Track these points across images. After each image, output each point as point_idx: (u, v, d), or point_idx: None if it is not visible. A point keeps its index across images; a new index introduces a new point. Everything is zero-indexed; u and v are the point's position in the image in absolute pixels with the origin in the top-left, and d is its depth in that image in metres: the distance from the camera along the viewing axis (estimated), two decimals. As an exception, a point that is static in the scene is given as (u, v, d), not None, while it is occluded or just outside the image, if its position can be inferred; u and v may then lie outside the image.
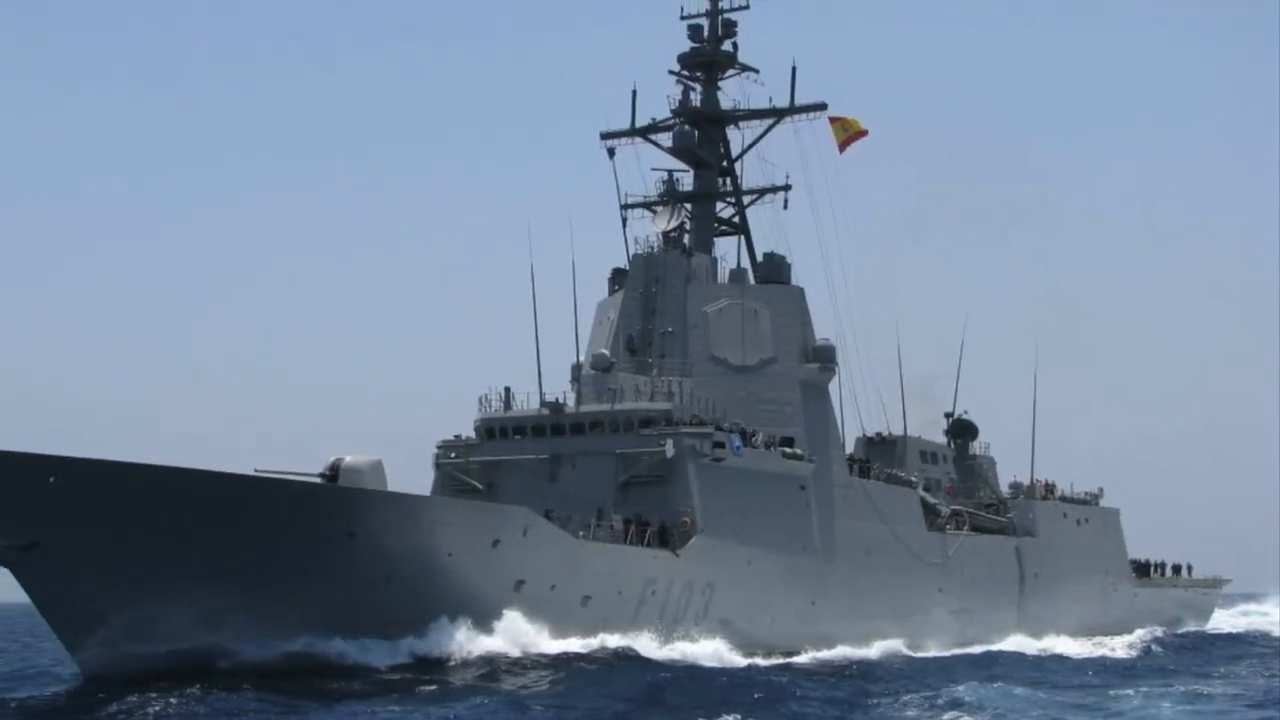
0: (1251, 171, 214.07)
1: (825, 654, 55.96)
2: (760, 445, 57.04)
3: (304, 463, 43.33)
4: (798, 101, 66.17)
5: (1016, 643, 67.05)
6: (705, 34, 65.85)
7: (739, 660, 50.26)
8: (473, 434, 57.00)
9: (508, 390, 56.74)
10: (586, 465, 54.39)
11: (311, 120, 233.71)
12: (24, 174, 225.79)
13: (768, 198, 66.87)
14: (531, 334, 55.99)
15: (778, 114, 66.23)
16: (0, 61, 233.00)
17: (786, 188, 66.38)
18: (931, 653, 60.21)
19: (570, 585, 47.96)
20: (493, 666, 42.91)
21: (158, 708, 33.37)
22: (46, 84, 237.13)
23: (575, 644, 46.62)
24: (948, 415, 78.49)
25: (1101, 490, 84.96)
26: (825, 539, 59.99)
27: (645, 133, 66.59)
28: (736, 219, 67.30)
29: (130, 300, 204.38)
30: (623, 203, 65.57)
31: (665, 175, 65.00)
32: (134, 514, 37.45)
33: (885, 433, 72.17)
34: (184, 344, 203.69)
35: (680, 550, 52.18)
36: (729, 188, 67.11)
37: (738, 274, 64.05)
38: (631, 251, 63.27)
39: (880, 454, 70.24)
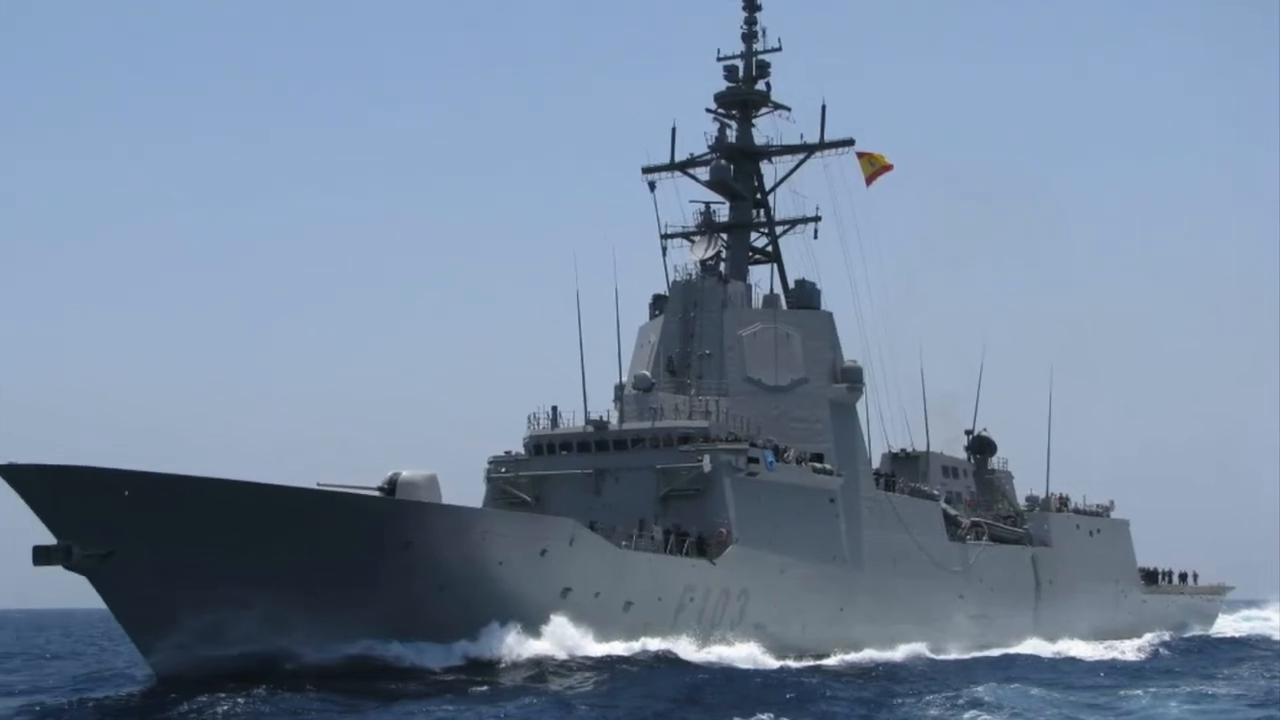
0: (1252, 200, 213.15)
1: (853, 656, 55.52)
2: (792, 461, 56.65)
3: (363, 477, 43.11)
4: (827, 138, 65.89)
5: (1032, 646, 66.42)
6: (740, 74, 65.65)
7: (772, 662, 49.81)
8: (522, 450, 56.72)
9: (555, 409, 56.56)
10: (629, 479, 54.05)
11: (372, 156, 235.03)
12: (106, 208, 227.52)
13: (799, 228, 66.54)
14: (577, 356, 55.94)
15: (808, 149, 65.93)
16: (83, 108, 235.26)
17: (816, 218, 66.00)
18: (952, 655, 59.65)
19: (613, 592, 47.55)
20: (541, 668, 42.51)
21: (226, 707, 33.13)
22: (127, 127, 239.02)
23: (618, 647, 46.23)
24: (968, 432, 78.03)
25: (1112, 503, 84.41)
26: (853, 549, 59.52)
27: (684, 167, 66.41)
28: (770, 248, 66.95)
29: (202, 325, 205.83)
30: (663, 233, 65.31)
31: (703, 207, 64.79)
32: (203, 525, 37.21)
33: (909, 449, 71.65)
34: (253, 366, 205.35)
35: (717, 559, 51.77)
36: (762, 219, 66.78)
37: (771, 300, 63.70)
38: (671, 279, 62.98)
39: (904, 469, 69.80)
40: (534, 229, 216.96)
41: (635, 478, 53.96)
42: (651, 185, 65.82)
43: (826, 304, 64.14)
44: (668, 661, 46.43)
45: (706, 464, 52.77)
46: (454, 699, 35.88)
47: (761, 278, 65.96)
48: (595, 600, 46.60)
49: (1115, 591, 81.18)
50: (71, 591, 41.24)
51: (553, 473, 55.20)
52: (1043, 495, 78.33)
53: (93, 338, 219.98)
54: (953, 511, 69.11)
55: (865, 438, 63.50)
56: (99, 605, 38.53)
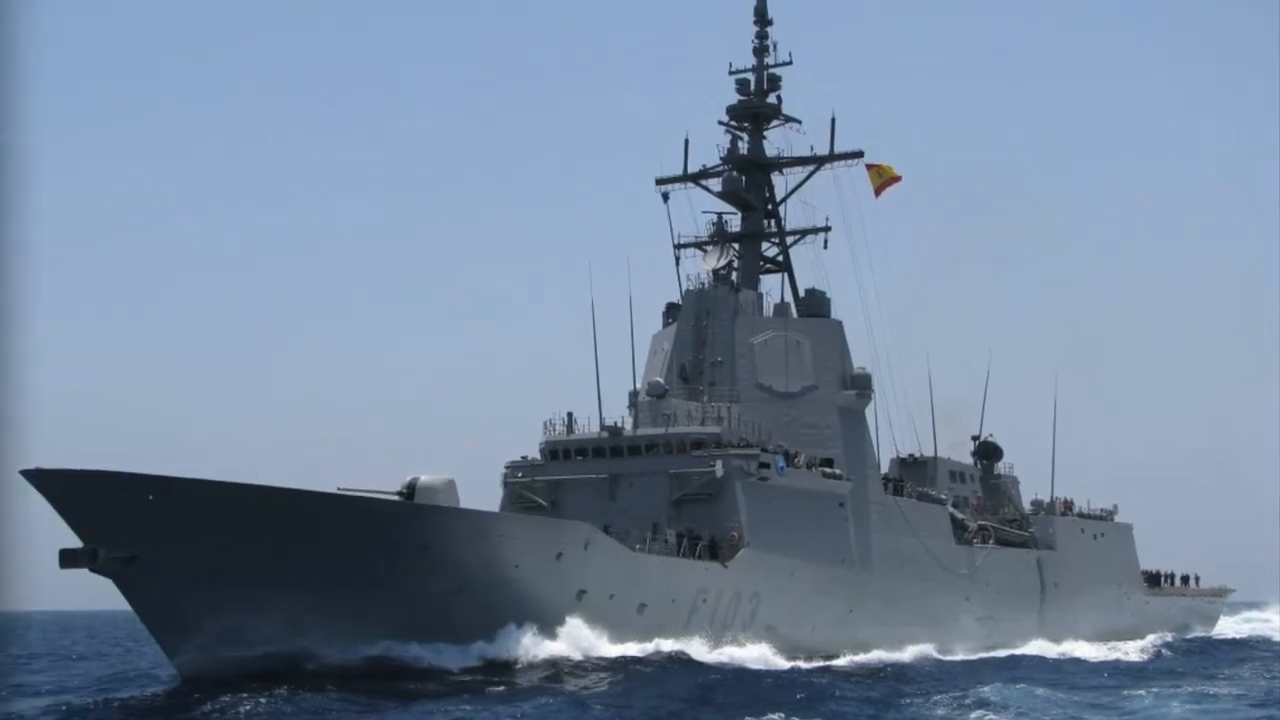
0: (1253, 204, 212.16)
1: (862, 657, 55.31)
2: (802, 466, 56.59)
3: (383, 481, 43.04)
4: (837, 150, 65.86)
5: (1038, 647, 66.19)
6: (752, 88, 65.63)
7: (783, 663, 49.70)
8: (538, 455, 56.61)
9: (570, 415, 56.46)
10: (643, 484, 53.93)
11: (388, 163, 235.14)
12: (127, 214, 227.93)
13: (809, 238, 66.46)
14: (592, 363, 55.92)
15: (818, 161, 65.89)
16: (85, 110, 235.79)
17: (826, 229, 65.94)
18: (959, 656, 59.49)
19: (628, 594, 47.43)
20: (556, 669, 42.40)
21: (249, 707, 33.00)
22: (132, 130, 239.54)
23: (632, 648, 46.10)
24: (974, 438, 77.81)
25: (1116, 507, 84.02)
26: (862, 552, 59.35)
27: (697, 178, 66.35)
28: (780, 257, 66.85)
29: (223, 331, 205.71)
30: (676, 243, 65.33)
31: (715, 217, 64.71)
32: (226, 529, 37.14)
33: (917, 454, 71.50)
34: (274, 371, 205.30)
35: (729, 562, 51.64)
36: (773, 229, 66.70)
37: (781, 308, 63.70)
38: (684, 288, 63.07)
39: (912, 474, 69.64)
40: (549, 238, 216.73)
41: (649, 482, 53.84)
42: (665, 196, 65.88)
43: (836, 312, 64.15)
44: (681, 662, 46.29)
45: (719, 469, 52.70)
46: (471, 699, 35.75)
47: (772, 286, 66.08)
48: (610, 602, 46.48)
49: (1119, 594, 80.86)
50: (97, 594, 41.17)
51: (568, 477, 55.09)
52: (1048, 499, 78.03)
53: (115, 345, 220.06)
54: (959, 515, 68.90)
55: (874, 443, 63.40)
56: (124, 607, 38.50)
